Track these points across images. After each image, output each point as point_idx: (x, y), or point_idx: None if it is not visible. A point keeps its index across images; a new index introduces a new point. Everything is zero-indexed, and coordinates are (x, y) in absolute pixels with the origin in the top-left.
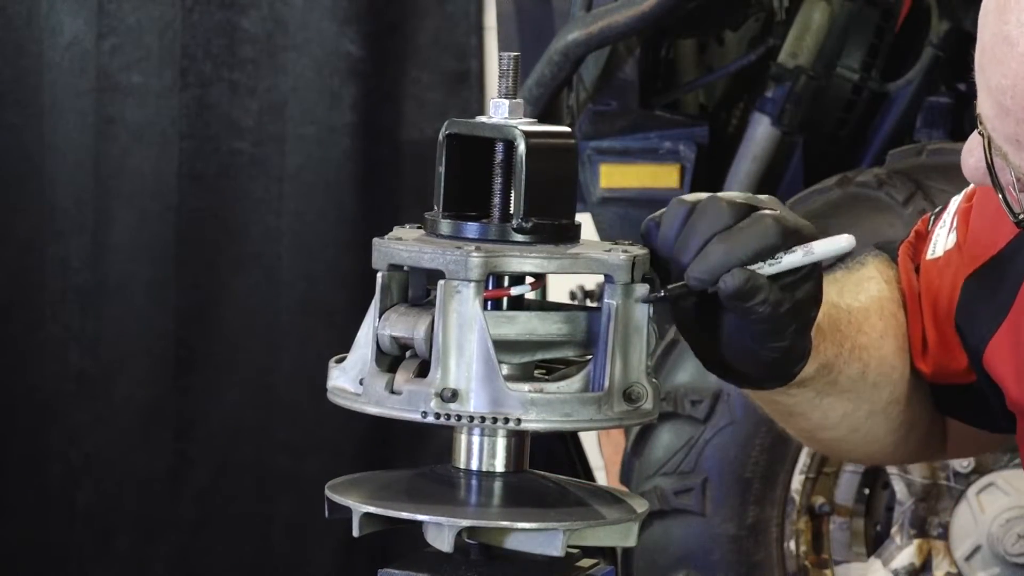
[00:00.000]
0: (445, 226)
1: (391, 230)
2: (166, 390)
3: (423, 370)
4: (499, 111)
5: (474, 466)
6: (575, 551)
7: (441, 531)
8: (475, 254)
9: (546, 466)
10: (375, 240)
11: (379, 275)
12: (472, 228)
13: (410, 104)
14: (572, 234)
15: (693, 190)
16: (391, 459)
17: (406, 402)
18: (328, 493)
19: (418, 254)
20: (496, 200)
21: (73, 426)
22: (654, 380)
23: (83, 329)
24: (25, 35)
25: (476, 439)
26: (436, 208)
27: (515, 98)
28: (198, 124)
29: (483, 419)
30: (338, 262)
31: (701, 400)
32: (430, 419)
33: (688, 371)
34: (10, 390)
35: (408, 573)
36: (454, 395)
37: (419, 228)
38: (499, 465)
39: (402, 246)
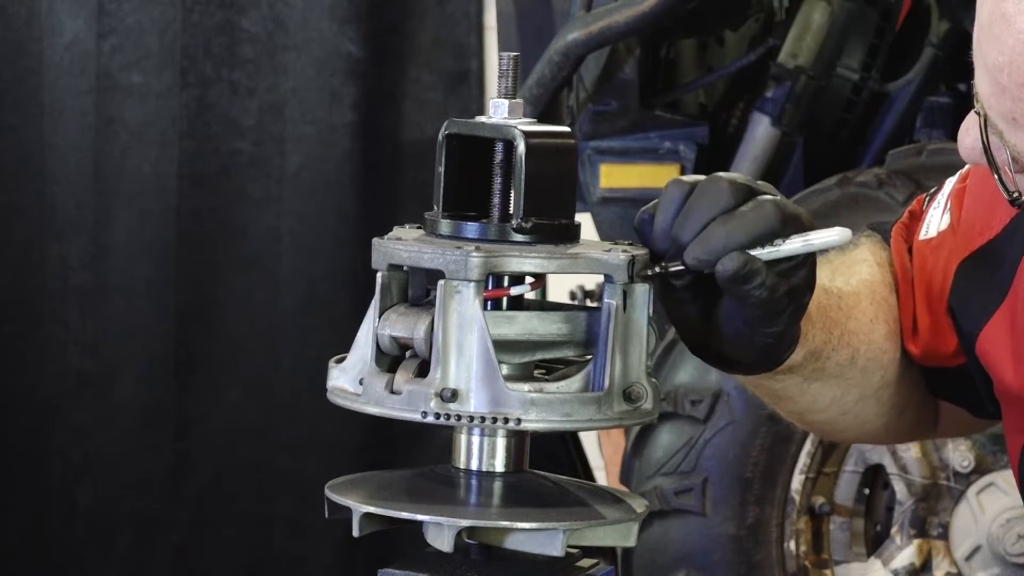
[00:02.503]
0: (445, 226)
1: (391, 230)
2: (166, 390)
3: (423, 370)
4: (499, 111)
5: (474, 466)
6: (575, 551)
7: (441, 531)
8: (475, 254)
9: (546, 466)
10: (375, 240)
11: (379, 275)
12: (472, 228)
13: (410, 104)
14: (572, 234)
15: None
16: (391, 459)
17: (406, 402)
18: (328, 493)
19: (418, 254)
20: (496, 200)
21: (73, 426)
22: (654, 380)
23: (83, 329)
24: (25, 35)
25: (476, 439)
26: (436, 208)
27: (515, 98)
28: (198, 124)
29: (483, 419)
30: (338, 262)
31: (701, 400)
32: (430, 419)
33: (688, 371)
34: (10, 390)
35: (408, 573)
36: (454, 395)
37: (419, 228)
38: (499, 465)
39: (402, 246)
